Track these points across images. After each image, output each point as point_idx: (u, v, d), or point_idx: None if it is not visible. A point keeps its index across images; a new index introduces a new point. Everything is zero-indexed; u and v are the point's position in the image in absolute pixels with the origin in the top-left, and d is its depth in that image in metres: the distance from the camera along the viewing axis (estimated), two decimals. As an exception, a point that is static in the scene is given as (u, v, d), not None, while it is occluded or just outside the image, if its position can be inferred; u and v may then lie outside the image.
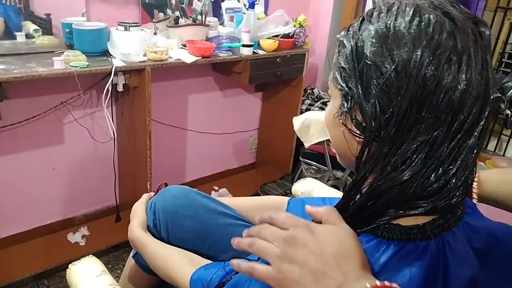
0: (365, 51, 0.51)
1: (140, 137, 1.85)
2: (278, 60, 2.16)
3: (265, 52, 2.10)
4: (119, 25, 1.72)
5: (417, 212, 0.50)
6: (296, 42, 2.31)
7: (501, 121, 2.28)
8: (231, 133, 2.63)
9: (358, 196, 0.53)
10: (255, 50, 2.07)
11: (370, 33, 0.51)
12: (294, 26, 2.29)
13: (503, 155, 2.35)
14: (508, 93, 1.65)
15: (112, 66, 1.60)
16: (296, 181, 1.28)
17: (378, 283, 0.44)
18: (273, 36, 2.19)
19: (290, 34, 2.25)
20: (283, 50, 2.19)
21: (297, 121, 1.94)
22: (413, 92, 0.47)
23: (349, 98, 0.53)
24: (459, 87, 0.47)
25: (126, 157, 2.04)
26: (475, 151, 0.51)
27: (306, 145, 1.96)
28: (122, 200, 2.13)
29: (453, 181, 0.50)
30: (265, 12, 2.38)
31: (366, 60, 0.50)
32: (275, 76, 2.19)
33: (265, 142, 2.78)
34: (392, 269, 0.49)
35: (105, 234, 2.03)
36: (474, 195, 0.72)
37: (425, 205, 0.50)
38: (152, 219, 0.95)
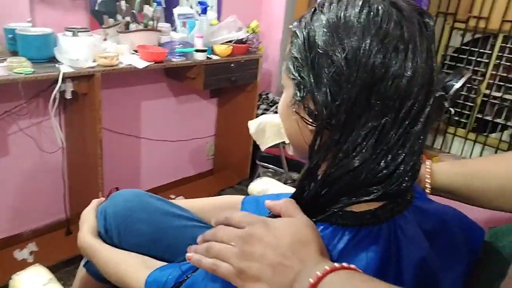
0: (317, 40, 0.52)
1: (90, 146, 1.79)
2: (232, 65, 2.16)
3: (219, 57, 2.10)
4: (66, 30, 1.66)
5: (369, 198, 0.52)
6: (250, 48, 2.33)
7: (445, 119, 2.40)
8: (186, 140, 2.60)
9: (312, 185, 0.54)
10: (208, 56, 2.06)
11: (322, 23, 0.52)
12: (247, 32, 2.31)
13: (449, 152, 2.47)
14: (451, 91, 1.74)
15: (60, 72, 1.54)
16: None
17: (336, 265, 0.45)
18: (227, 42, 2.19)
19: (244, 40, 2.27)
20: (236, 56, 2.20)
21: (253, 125, 1.95)
22: (362, 80, 0.49)
23: (302, 87, 0.54)
24: (406, 74, 0.49)
25: (76, 168, 1.96)
26: (421, 137, 0.53)
27: (262, 148, 1.97)
28: (73, 212, 2.04)
29: (402, 166, 0.52)
30: (218, 18, 2.39)
31: (318, 49, 0.52)
32: (230, 81, 2.19)
33: (222, 148, 2.77)
34: (349, 255, 0.50)
35: (55, 249, 1.94)
36: (427, 186, 0.73)
37: (376, 191, 0.51)
38: (103, 225, 0.91)
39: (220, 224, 0.54)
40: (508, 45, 2.27)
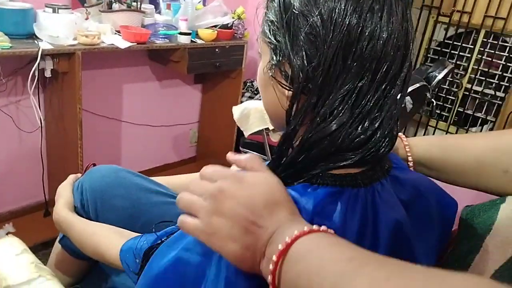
0: (292, 2, 0.52)
1: (70, 126, 1.75)
2: (217, 50, 2.14)
3: (203, 42, 2.07)
4: (46, 7, 1.62)
5: (347, 163, 0.52)
6: (235, 34, 2.31)
7: (427, 112, 2.43)
8: (169, 125, 2.57)
9: (290, 151, 0.54)
10: (193, 39, 2.04)
11: None
12: (233, 17, 2.29)
13: (430, 145, 2.50)
14: (433, 82, 1.76)
15: (39, 49, 1.50)
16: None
17: (306, 228, 0.44)
18: (211, 26, 2.17)
19: (229, 25, 2.25)
20: (222, 41, 2.18)
21: (237, 111, 1.94)
22: (338, 40, 0.49)
23: (278, 50, 0.53)
24: (382, 35, 0.49)
25: (55, 148, 1.92)
26: (398, 101, 0.53)
27: (246, 134, 1.96)
28: (52, 194, 2.00)
29: (380, 131, 0.52)
30: (203, 3, 2.36)
31: (294, 10, 0.51)
32: (214, 66, 2.17)
33: (205, 135, 2.75)
34: (327, 208, 0.50)
35: (33, 231, 1.90)
36: (410, 160, 0.72)
37: (354, 156, 0.52)
38: (79, 200, 0.90)
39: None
40: (489, 40, 2.30)
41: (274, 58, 0.54)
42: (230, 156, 0.54)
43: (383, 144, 0.53)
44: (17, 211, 2.01)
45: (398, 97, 0.53)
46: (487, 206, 0.66)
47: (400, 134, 0.68)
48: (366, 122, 0.51)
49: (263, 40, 0.57)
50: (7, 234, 1.87)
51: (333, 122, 0.50)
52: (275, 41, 0.54)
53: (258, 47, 0.59)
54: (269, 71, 0.55)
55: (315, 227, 0.45)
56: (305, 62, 0.50)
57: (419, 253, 0.56)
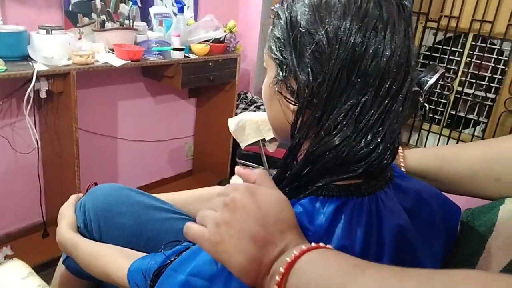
0: (299, 20, 0.54)
1: (66, 146, 1.75)
2: (210, 64, 2.16)
3: (196, 56, 2.09)
4: (40, 28, 1.63)
5: (351, 175, 0.53)
6: (228, 47, 2.33)
7: (420, 117, 2.46)
8: (165, 140, 2.57)
9: (294, 164, 0.55)
10: (186, 54, 2.05)
11: (304, 3, 0.54)
12: (224, 31, 2.31)
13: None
14: (425, 87, 1.78)
15: (34, 70, 1.51)
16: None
17: (313, 244, 0.46)
18: (204, 41, 2.19)
19: (221, 39, 2.27)
20: (214, 55, 2.20)
21: (232, 123, 1.95)
22: (343, 58, 0.50)
23: (284, 67, 0.55)
24: (385, 53, 0.51)
25: (52, 169, 1.91)
26: (400, 116, 0.54)
27: (242, 146, 1.97)
28: (50, 214, 1.99)
29: (382, 145, 0.53)
30: (195, 18, 2.38)
31: (300, 29, 0.53)
32: (208, 80, 2.19)
33: (201, 148, 2.76)
34: (335, 222, 0.51)
35: (31, 253, 1.88)
36: (402, 170, 0.74)
37: (357, 168, 0.53)
38: (82, 220, 0.90)
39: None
40: (478, 44, 2.34)
41: (281, 74, 0.56)
42: (239, 170, 0.54)
43: (386, 157, 0.54)
44: (15, 233, 1.99)
45: (400, 111, 0.54)
46: (487, 208, 0.67)
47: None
48: (369, 136, 0.52)
49: (269, 56, 0.58)
50: (5, 257, 1.85)
51: (337, 136, 0.51)
52: (281, 57, 0.55)
53: (264, 62, 0.61)
54: (275, 86, 0.57)
55: (321, 244, 0.46)
56: (311, 78, 0.52)
57: (424, 259, 0.57)
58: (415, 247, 0.56)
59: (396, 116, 0.54)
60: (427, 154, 0.76)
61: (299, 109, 0.54)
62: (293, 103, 0.55)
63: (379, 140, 0.53)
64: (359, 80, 0.51)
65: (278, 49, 0.56)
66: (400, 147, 0.74)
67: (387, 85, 0.52)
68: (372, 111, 0.52)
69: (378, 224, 0.53)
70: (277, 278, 0.44)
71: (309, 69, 0.52)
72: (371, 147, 0.52)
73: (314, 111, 0.53)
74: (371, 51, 0.51)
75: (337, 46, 0.50)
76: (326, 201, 0.53)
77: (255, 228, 0.47)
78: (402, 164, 0.74)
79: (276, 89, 0.57)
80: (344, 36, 0.50)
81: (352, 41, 0.50)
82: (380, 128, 0.53)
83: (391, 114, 0.53)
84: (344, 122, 0.51)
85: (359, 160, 0.52)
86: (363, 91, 0.51)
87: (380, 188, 0.56)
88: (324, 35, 0.51)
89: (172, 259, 0.60)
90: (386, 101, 0.52)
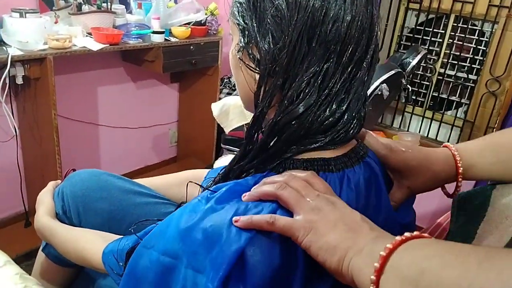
0: None
1: (46, 133, 1.71)
2: (191, 47, 2.12)
3: (177, 40, 2.05)
4: (13, 11, 1.57)
5: (317, 145, 0.53)
6: (209, 30, 2.29)
7: (403, 99, 2.47)
8: (148, 127, 2.54)
9: (259, 134, 0.55)
10: (166, 38, 2.02)
11: None
12: (206, 14, 2.27)
13: (408, 130, 2.55)
14: (408, 68, 1.79)
15: (8, 55, 1.46)
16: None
17: (416, 233, 0.43)
18: (185, 24, 2.15)
19: (202, 22, 2.23)
20: (196, 38, 2.16)
21: (216, 107, 1.93)
22: (303, 23, 0.50)
23: (246, 33, 0.54)
24: (346, 18, 0.50)
25: (32, 157, 1.87)
26: (365, 84, 0.54)
27: (227, 130, 1.96)
28: (31, 204, 1.96)
29: (347, 113, 0.53)
30: (175, 1, 2.33)
31: None
32: (190, 64, 2.15)
33: (185, 134, 2.73)
34: None
35: (14, 242, 1.85)
36: (459, 176, 0.65)
37: (323, 138, 0.53)
38: (61, 206, 0.88)
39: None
40: (459, 25, 2.35)
41: (242, 40, 0.55)
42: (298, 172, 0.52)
43: (352, 126, 0.54)
44: (-4, 224, 1.96)
45: (365, 79, 0.54)
46: (479, 193, 0.66)
47: (447, 143, 0.66)
48: (334, 104, 0.52)
49: (232, 21, 0.57)
50: (-13, 247, 1.82)
51: (301, 105, 0.51)
52: (243, 23, 0.55)
53: (229, 29, 0.60)
54: (237, 53, 0.56)
55: (425, 234, 0.43)
56: (271, 44, 0.51)
57: None
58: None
59: (361, 84, 0.54)
60: (491, 161, 0.64)
61: (261, 77, 0.53)
62: (255, 71, 0.54)
63: (344, 108, 0.52)
64: (320, 46, 0.50)
65: (240, 14, 0.55)
66: (452, 146, 0.66)
67: (349, 52, 0.51)
68: (335, 78, 0.51)
69: None
70: (376, 264, 0.40)
71: (270, 35, 0.52)
72: (337, 116, 0.52)
73: (275, 79, 0.52)
74: (331, 16, 0.50)
75: (296, 10, 0.50)
76: None
77: (349, 221, 0.46)
78: (459, 165, 0.64)
79: (238, 56, 0.56)
80: (303, 1, 0.50)
81: (312, 5, 0.50)
82: (344, 96, 0.53)
83: (356, 81, 0.53)
84: (307, 90, 0.51)
85: (325, 129, 0.52)
86: (325, 58, 0.51)
87: (351, 165, 0.55)
88: None
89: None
90: (350, 68, 0.52)
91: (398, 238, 0.41)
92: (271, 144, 0.53)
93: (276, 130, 0.52)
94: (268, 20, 0.52)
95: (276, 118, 0.52)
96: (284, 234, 0.47)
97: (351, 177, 0.55)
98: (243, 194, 0.50)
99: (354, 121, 0.54)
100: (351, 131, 0.54)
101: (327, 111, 0.52)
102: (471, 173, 0.64)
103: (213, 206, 0.49)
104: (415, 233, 0.42)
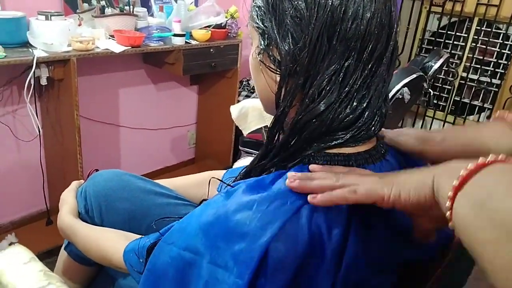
0: None
1: (68, 133, 1.75)
2: (211, 50, 2.14)
3: (197, 42, 2.07)
4: (39, 14, 1.61)
5: (337, 142, 0.53)
6: (229, 33, 2.31)
7: (424, 103, 2.43)
8: (167, 128, 2.56)
9: (281, 133, 0.55)
10: (187, 40, 2.03)
11: None
12: (226, 17, 2.28)
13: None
14: (430, 72, 1.76)
15: (34, 57, 1.49)
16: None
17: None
18: (205, 27, 2.17)
19: (222, 25, 2.24)
20: (216, 41, 2.17)
21: (235, 110, 1.93)
22: (322, 22, 0.50)
23: (266, 35, 0.55)
24: (365, 15, 0.50)
25: (54, 156, 1.91)
26: (385, 80, 0.54)
27: (245, 133, 1.96)
28: (53, 202, 2.00)
29: (368, 110, 0.53)
30: (196, 4, 2.36)
31: None
32: (210, 66, 2.17)
33: (203, 136, 2.75)
34: None
35: (36, 240, 1.89)
36: None
37: (344, 135, 0.53)
38: (83, 205, 0.89)
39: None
40: (483, 28, 2.30)
41: (262, 43, 0.55)
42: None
43: (373, 123, 0.54)
44: (19, 221, 2.00)
45: (386, 76, 0.54)
46: None
47: (503, 114, 0.61)
48: (355, 102, 0.52)
49: (252, 26, 0.58)
50: (9, 244, 1.86)
51: (322, 103, 0.51)
52: (262, 26, 0.55)
53: (249, 33, 0.60)
54: (258, 56, 0.57)
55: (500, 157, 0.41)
56: (291, 45, 0.52)
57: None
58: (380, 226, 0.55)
59: (381, 81, 0.53)
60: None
61: (282, 77, 0.53)
62: (276, 72, 0.55)
63: (364, 105, 0.52)
64: (340, 44, 0.50)
65: (259, 17, 0.55)
66: (507, 118, 0.60)
67: (369, 49, 0.51)
68: (356, 75, 0.51)
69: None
70: (455, 181, 0.39)
71: (290, 36, 0.52)
72: (357, 113, 0.52)
73: (296, 78, 0.52)
74: (350, 14, 0.50)
75: (315, 10, 0.50)
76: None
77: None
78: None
79: (259, 59, 0.56)
80: (322, 0, 0.50)
81: (330, 3, 0.50)
82: (365, 93, 0.52)
83: (376, 78, 0.53)
84: (328, 88, 0.51)
85: (346, 127, 0.52)
86: (345, 55, 0.51)
87: (372, 162, 0.55)
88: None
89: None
90: (370, 65, 0.52)
91: (480, 160, 0.40)
92: (292, 142, 0.53)
93: (297, 129, 0.53)
94: (288, 21, 0.52)
95: (298, 117, 0.52)
96: (371, 199, 0.47)
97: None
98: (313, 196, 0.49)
99: (376, 118, 0.54)
100: (373, 128, 0.54)
101: (348, 108, 0.52)
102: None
103: (235, 200, 0.50)
104: (497, 156, 0.40)
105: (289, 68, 0.52)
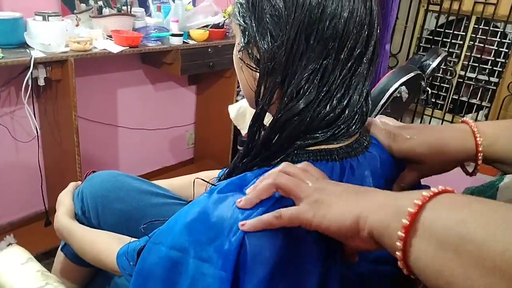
0: None
1: (66, 134, 1.75)
2: (209, 50, 2.14)
3: (195, 42, 2.07)
4: (36, 15, 1.61)
5: (318, 140, 0.53)
6: (227, 33, 2.30)
7: (422, 101, 2.44)
8: (165, 128, 2.56)
9: (261, 131, 0.55)
10: (185, 40, 2.03)
11: None
12: (224, 16, 2.28)
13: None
14: (428, 71, 1.76)
15: (31, 57, 1.49)
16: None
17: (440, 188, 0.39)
18: (203, 27, 2.17)
19: (220, 24, 2.24)
20: (214, 40, 2.17)
21: (233, 109, 1.94)
22: (300, 20, 0.50)
23: (246, 33, 0.55)
24: (343, 14, 0.50)
25: (52, 157, 1.91)
26: (366, 79, 0.54)
27: (243, 132, 1.96)
28: (51, 203, 1.99)
29: (348, 109, 0.53)
30: (193, 4, 2.35)
31: None
32: (208, 66, 2.17)
33: (202, 136, 2.75)
34: None
35: (34, 241, 1.89)
36: (479, 159, 0.58)
37: (324, 133, 0.53)
38: (80, 207, 0.90)
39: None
40: (481, 27, 2.31)
41: (242, 40, 0.56)
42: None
43: (353, 121, 0.54)
44: (17, 222, 2.00)
45: (366, 75, 0.54)
46: (487, 187, 0.65)
47: (465, 119, 0.61)
48: (334, 101, 0.52)
49: (235, 22, 0.58)
50: (8, 245, 1.86)
51: (301, 101, 0.51)
52: (243, 23, 0.55)
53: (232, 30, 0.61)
54: (238, 53, 0.57)
55: (448, 188, 0.40)
56: (270, 43, 0.52)
57: None
58: None
59: (362, 80, 0.54)
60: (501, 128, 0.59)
61: (261, 75, 0.54)
62: (255, 70, 0.55)
63: (344, 104, 0.53)
64: (318, 43, 0.51)
65: (240, 14, 0.56)
66: (472, 122, 0.60)
67: (348, 48, 0.51)
68: (335, 75, 0.52)
69: None
70: (405, 220, 0.37)
71: (269, 34, 0.52)
72: (337, 112, 0.52)
73: (274, 77, 0.52)
74: (328, 13, 0.50)
75: (293, 9, 0.50)
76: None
77: (352, 187, 0.46)
78: (480, 149, 0.57)
79: (239, 56, 0.57)
80: None
81: (308, 3, 0.50)
82: (345, 92, 0.53)
83: (356, 77, 0.53)
84: (306, 87, 0.51)
85: (326, 125, 0.53)
86: (324, 54, 0.51)
87: (354, 155, 0.55)
88: None
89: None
90: (349, 64, 0.52)
91: (425, 193, 0.38)
92: (273, 141, 0.54)
93: (277, 127, 0.53)
94: (267, 19, 0.52)
95: (277, 115, 0.53)
96: (295, 224, 0.46)
97: (355, 167, 0.55)
98: (238, 200, 0.48)
99: (356, 117, 0.55)
100: (353, 127, 0.54)
101: (328, 107, 0.52)
102: (491, 151, 0.58)
103: (215, 197, 0.50)
104: (440, 187, 0.39)
105: (267, 66, 0.53)
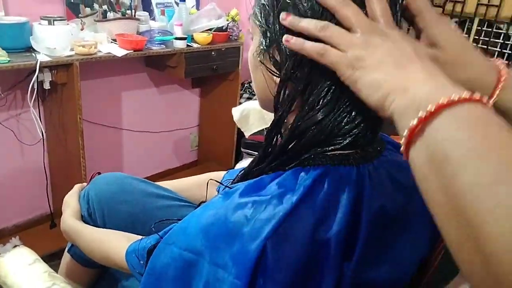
0: None
1: (71, 137, 1.76)
2: (213, 53, 2.15)
3: (199, 46, 2.08)
4: (42, 19, 1.63)
5: (337, 147, 0.52)
6: (230, 36, 2.32)
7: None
8: (170, 131, 2.58)
9: (279, 137, 0.55)
10: (189, 44, 2.05)
11: None
12: (227, 20, 2.30)
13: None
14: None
15: (37, 61, 1.51)
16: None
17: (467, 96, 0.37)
18: (206, 30, 2.18)
19: (224, 28, 2.25)
20: (217, 44, 2.19)
21: (236, 112, 1.95)
22: None
23: (268, 35, 0.53)
24: None
25: (57, 159, 1.93)
26: None
27: (247, 135, 1.97)
28: (57, 205, 2.01)
29: (366, 121, 0.52)
30: (197, 7, 2.37)
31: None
32: (212, 69, 2.18)
33: (206, 138, 2.76)
34: (317, 188, 0.50)
35: (39, 243, 1.89)
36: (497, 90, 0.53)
37: (342, 141, 0.52)
38: (86, 208, 0.90)
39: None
40: (483, 29, 2.31)
41: (264, 42, 0.54)
42: None
43: (370, 130, 0.53)
44: (23, 224, 2.01)
45: None
46: None
47: (499, 59, 0.57)
48: (354, 111, 0.51)
49: (254, 22, 0.56)
50: (14, 247, 1.87)
51: (321, 111, 0.51)
52: (265, 25, 0.53)
53: (249, 27, 0.59)
54: (258, 55, 0.55)
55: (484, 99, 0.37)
56: None
57: (402, 241, 0.57)
58: (396, 221, 0.55)
59: None
60: None
61: (282, 82, 0.53)
62: (276, 75, 0.53)
63: (363, 115, 0.52)
64: None
65: (263, 16, 0.54)
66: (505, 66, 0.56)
67: None
68: None
69: (359, 202, 0.52)
70: (421, 113, 0.36)
71: None
72: (356, 122, 0.52)
73: (296, 84, 0.51)
74: None
75: (323, 18, 0.49)
76: (310, 169, 0.52)
77: (406, 49, 0.44)
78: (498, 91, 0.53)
79: (259, 59, 0.55)
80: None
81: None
82: (364, 105, 0.51)
83: None
84: (327, 98, 0.50)
85: (343, 134, 0.52)
86: None
87: (370, 160, 0.55)
88: (308, 6, 0.49)
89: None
90: None
91: (454, 96, 0.36)
92: (290, 147, 0.53)
93: (296, 134, 0.52)
94: None
95: (297, 123, 0.52)
96: (332, 68, 0.47)
97: (371, 171, 0.54)
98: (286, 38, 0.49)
99: (372, 128, 0.54)
100: (369, 133, 0.54)
101: (347, 117, 0.51)
102: (506, 99, 0.53)
103: (235, 201, 0.50)
104: (470, 94, 0.36)
105: (289, 73, 0.51)
